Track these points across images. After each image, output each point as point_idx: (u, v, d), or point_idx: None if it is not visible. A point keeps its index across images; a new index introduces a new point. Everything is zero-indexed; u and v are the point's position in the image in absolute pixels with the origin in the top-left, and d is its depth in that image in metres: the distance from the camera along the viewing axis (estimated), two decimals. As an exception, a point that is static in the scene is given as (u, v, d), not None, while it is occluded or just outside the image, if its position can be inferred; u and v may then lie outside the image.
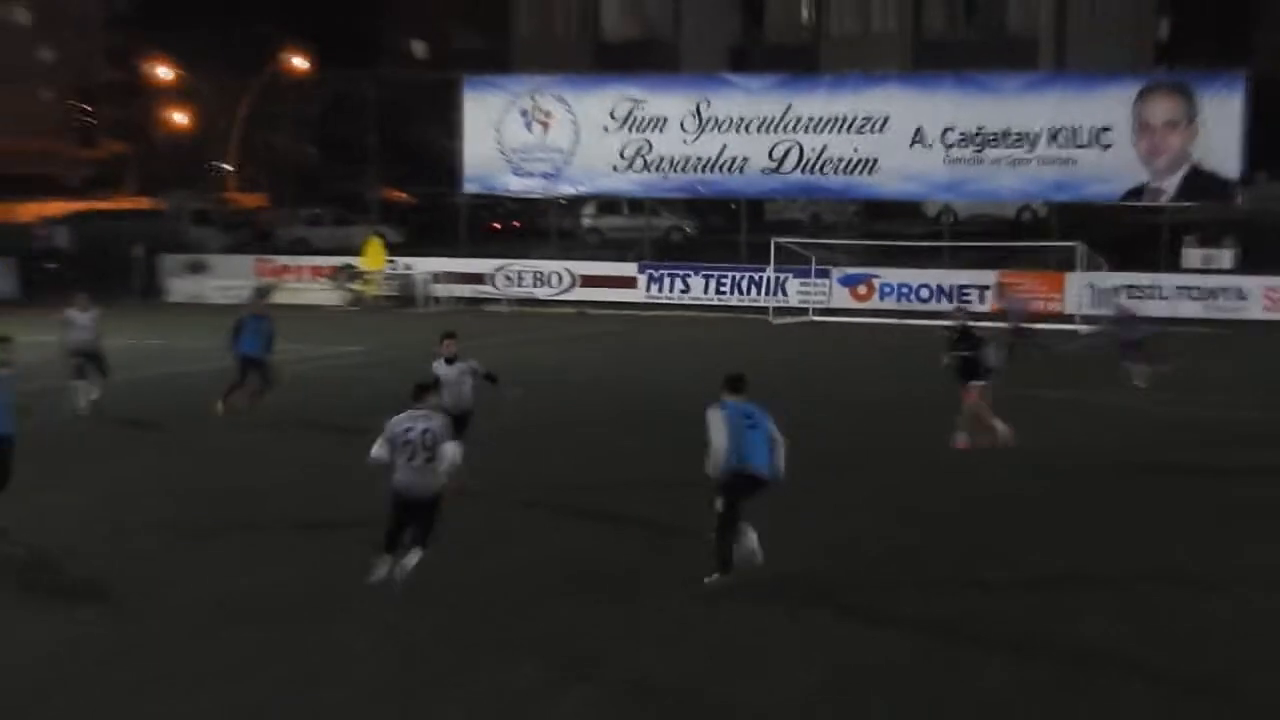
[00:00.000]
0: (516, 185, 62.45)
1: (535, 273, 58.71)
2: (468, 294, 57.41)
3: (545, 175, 61.27)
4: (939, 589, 17.41)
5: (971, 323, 27.43)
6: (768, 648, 15.31)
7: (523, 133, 61.03)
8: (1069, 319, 50.10)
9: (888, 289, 55.45)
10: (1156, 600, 17.09)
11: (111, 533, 20.00)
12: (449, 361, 22.18)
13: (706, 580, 17.08)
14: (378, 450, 16.85)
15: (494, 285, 58.27)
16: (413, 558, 16.66)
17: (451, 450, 16.86)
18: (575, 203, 70.17)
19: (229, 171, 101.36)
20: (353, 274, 58.73)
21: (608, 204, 71.16)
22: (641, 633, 15.79)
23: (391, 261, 59.58)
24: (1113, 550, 19.38)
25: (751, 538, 17.32)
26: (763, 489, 17.34)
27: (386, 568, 16.71)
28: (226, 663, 14.74)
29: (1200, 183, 55.06)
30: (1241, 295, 52.90)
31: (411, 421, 16.84)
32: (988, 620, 16.21)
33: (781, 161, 58.55)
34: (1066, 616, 16.35)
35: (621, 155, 60.09)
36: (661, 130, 59.61)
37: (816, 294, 55.16)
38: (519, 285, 58.45)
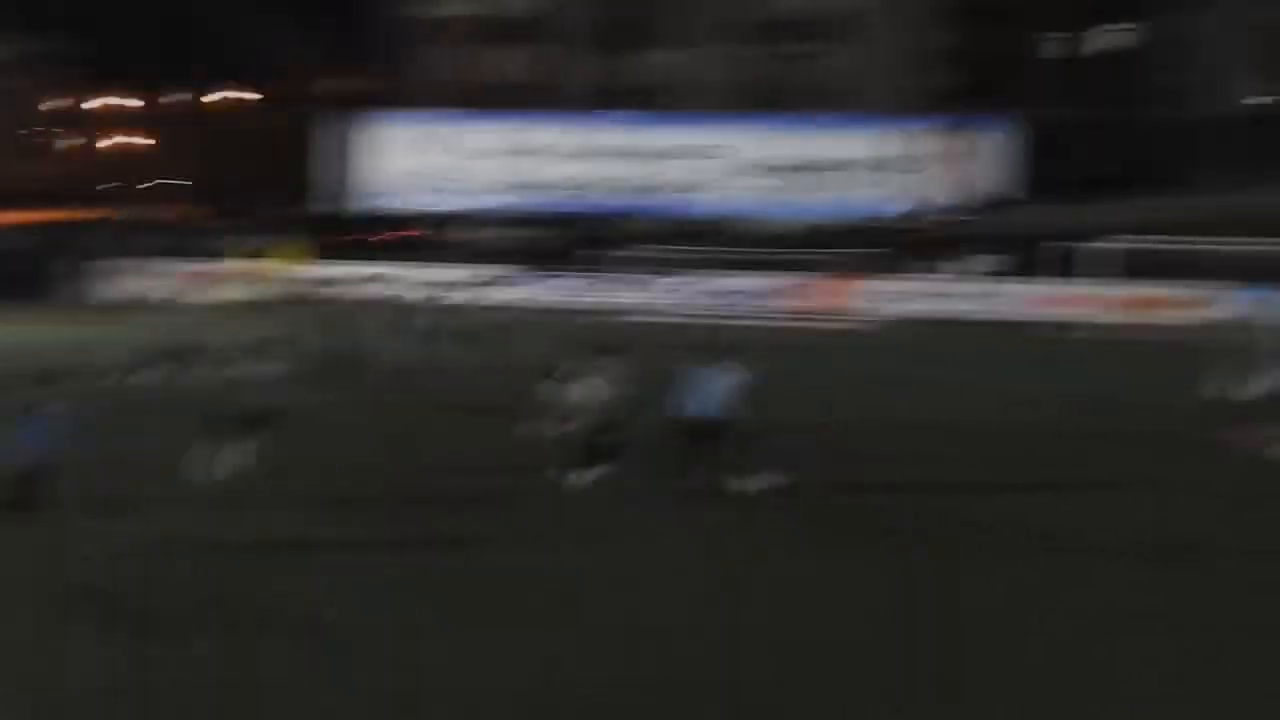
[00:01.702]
0: (406, 203, 61.64)
1: (421, 280, 57.92)
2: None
3: (431, 194, 60.67)
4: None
5: None
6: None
7: (412, 158, 60.33)
8: (861, 318, 50.16)
9: (707, 293, 55.07)
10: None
11: None
12: None
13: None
14: None
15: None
16: None
17: None
18: (457, 217, 69.44)
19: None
20: (260, 277, 57.53)
21: (488, 219, 70.36)
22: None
23: (294, 267, 58.59)
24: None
25: None
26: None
27: None
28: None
29: (973, 203, 55.30)
30: (1004, 298, 53.07)
31: None
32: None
33: (630, 185, 58.12)
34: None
35: (500, 178, 59.54)
36: (535, 158, 59.15)
37: (647, 297, 54.60)
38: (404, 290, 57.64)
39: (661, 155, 57.79)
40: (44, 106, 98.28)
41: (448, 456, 23.03)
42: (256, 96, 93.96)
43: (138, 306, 49.24)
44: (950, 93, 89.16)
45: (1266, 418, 24.17)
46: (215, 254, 58.74)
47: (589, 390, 19.81)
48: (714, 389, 19.73)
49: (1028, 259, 54.15)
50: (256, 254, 59.16)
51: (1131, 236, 51.46)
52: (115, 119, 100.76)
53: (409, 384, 30.81)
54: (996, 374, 35.43)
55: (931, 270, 55.12)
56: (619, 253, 55.06)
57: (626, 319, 50.45)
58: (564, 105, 74.80)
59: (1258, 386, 24.34)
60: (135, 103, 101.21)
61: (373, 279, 53.75)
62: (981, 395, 31.35)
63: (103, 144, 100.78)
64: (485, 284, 57.16)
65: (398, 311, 37.33)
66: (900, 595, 15.99)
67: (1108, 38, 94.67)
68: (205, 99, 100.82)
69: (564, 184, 58.69)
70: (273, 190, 73.03)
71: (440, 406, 28.35)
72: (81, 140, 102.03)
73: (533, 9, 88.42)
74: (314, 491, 20.17)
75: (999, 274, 55.35)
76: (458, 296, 54.52)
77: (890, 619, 15.09)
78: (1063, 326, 47.10)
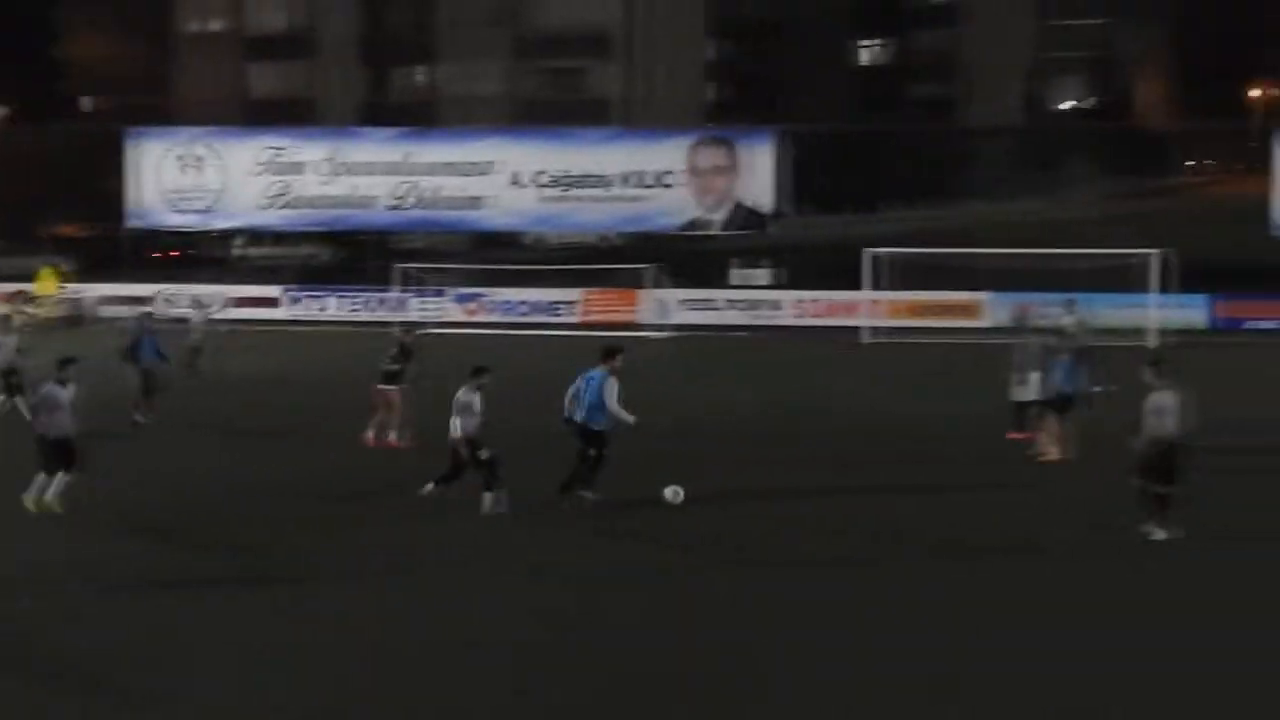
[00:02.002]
0: (175, 220, 60.50)
1: (191, 296, 56.81)
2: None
3: (199, 212, 59.59)
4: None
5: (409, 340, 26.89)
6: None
7: (179, 176, 59.14)
8: (641, 328, 50.82)
9: (494, 306, 55.30)
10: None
11: None
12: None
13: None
14: None
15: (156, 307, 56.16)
16: None
17: None
18: (228, 235, 68.35)
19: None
20: (27, 299, 55.87)
21: (256, 236, 69.52)
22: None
23: (63, 287, 57.03)
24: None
25: None
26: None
27: None
28: None
29: (743, 216, 56.52)
30: (776, 306, 54.42)
31: None
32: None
33: (403, 199, 58.03)
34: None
35: (266, 195, 58.79)
36: (301, 174, 58.50)
37: (435, 311, 54.56)
38: (177, 307, 56.48)
39: (436, 170, 57.63)
40: None
41: (256, 482, 22.81)
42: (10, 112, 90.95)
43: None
44: (724, 106, 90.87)
45: (1041, 420, 25.27)
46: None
47: (467, 404, 19.65)
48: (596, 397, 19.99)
49: (803, 270, 55.33)
50: (28, 275, 57.51)
51: (904, 246, 52.92)
52: None
53: (202, 404, 30.36)
54: (777, 383, 36.23)
55: (710, 282, 56.03)
56: (397, 267, 54.76)
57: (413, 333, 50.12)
58: (335, 120, 74.23)
59: (1034, 390, 25.43)
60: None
61: (145, 298, 52.60)
62: (764, 403, 32.05)
63: None
64: (258, 301, 56.40)
65: (174, 330, 36.54)
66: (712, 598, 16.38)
67: (876, 51, 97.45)
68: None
69: (335, 200, 58.10)
70: (40, 209, 70.93)
71: (237, 431, 28.03)
72: None
73: (300, 24, 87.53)
74: (128, 520, 19.95)
75: (776, 285, 56.51)
76: (231, 314, 53.70)
77: (693, 621, 15.46)
78: (840, 335, 48.28)
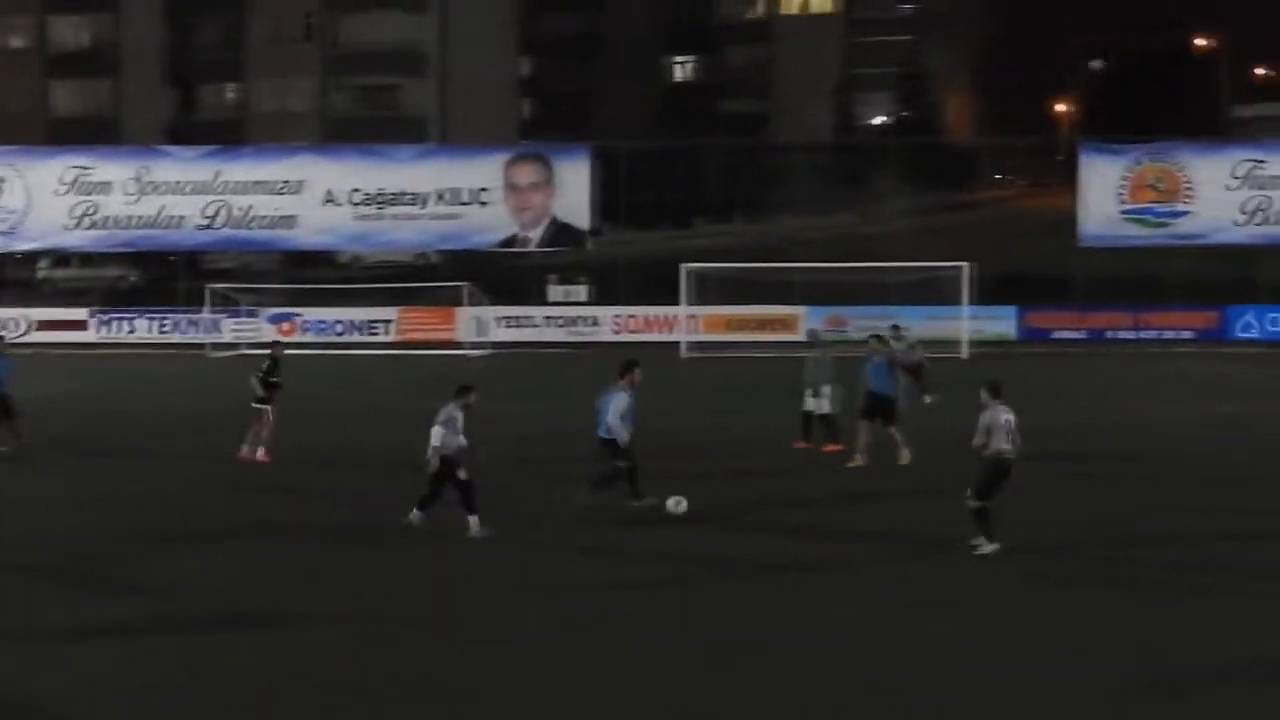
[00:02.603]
0: (-28, 243, 58.82)
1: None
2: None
3: (1, 234, 57.99)
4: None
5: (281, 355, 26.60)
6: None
7: (-23, 197, 57.51)
8: (459, 345, 50.67)
9: (309, 325, 54.66)
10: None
11: None
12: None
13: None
14: None
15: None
16: None
17: None
18: (32, 257, 66.51)
19: None
20: None
21: (61, 258, 67.73)
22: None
23: None
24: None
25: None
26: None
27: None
28: None
29: (560, 232, 56.62)
30: (595, 322, 54.60)
31: None
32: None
33: (213, 219, 57.09)
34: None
35: (71, 215, 57.38)
36: (107, 194, 57.21)
37: (248, 331, 53.77)
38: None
39: (247, 189, 56.75)
40: None
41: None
42: None
43: None
44: (538, 123, 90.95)
45: (838, 429, 25.74)
46: None
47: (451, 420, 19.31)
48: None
49: (622, 286, 55.62)
50: None
51: (720, 261, 53.50)
52: None
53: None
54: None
55: (528, 299, 56.07)
56: (209, 288, 53.80)
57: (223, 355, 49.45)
58: (141, 139, 72.67)
59: (828, 403, 25.92)
60: None
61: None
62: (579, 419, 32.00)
63: None
64: (65, 324, 55.07)
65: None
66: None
67: (688, 68, 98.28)
68: None
69: (143, 220, 56.88)
70: None
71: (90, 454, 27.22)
72: None
73: (105, 41, 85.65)
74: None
75: (591, 301, 56.71)
76: (36, 338, 52.32)
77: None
78: (658, 350, 48.55)
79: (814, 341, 29.04)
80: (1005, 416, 18.49)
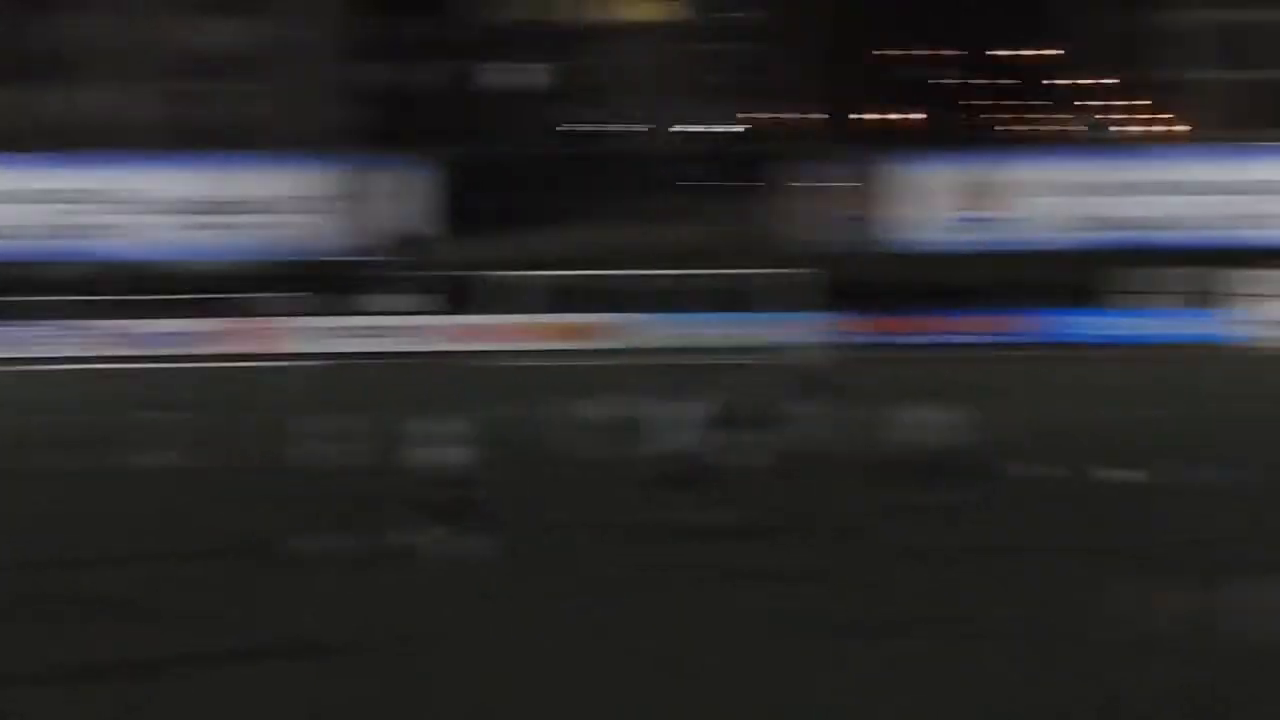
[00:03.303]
0: None
1: None
2: None
3: None
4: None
5: None
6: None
7: None
8: (284, 358, 50.35)
9: (134, 338, 53.53)
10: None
11: None
12: None
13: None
14: None
15: None
16: None
17: None
18: None
19: None
20: None
21: None
22: None
23: None
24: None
25: None
26: None
27: None
28: None
29: (390, 242, 56.46)
30: (418, 332, 54.25)
31: None
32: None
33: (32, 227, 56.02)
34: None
35: None
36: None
37: (68, 344, 52.33)
38: None
39: (73, 198, 55.93)
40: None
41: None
42: None
43: None
44: (366, 131, 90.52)
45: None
46: None
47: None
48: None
49: (451, 294, 55.45)
50: None
51: (550, 269, 53.70)
52: None
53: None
54: (442, 408, 36.31)
55: (357, 308, 55.48)
56: (31, 300, 52.83)
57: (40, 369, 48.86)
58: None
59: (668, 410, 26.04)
60: None
61: None
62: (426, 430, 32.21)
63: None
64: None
65: None
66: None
67: (524, 75, 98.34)
68: None
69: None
70: None
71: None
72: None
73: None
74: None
75: (424, 310, 56.49)
76: None
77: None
78: (490, 358, 48.92)
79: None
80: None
